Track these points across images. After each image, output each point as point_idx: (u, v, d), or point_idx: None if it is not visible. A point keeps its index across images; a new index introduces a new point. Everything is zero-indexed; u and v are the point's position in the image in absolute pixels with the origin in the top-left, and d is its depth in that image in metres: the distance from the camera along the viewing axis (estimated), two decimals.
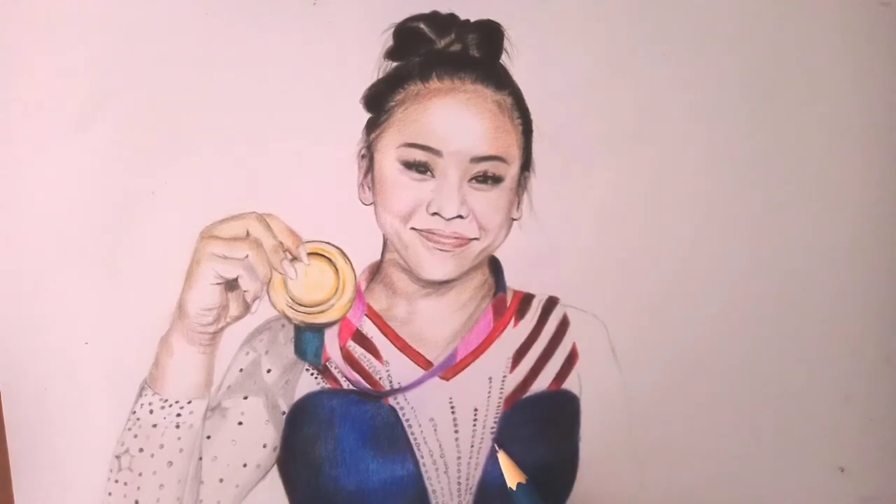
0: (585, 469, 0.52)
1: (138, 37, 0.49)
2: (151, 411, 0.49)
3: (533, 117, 0.50)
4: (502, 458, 0.49)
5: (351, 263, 0.50)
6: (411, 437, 0.51)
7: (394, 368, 0.52)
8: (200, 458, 0.50)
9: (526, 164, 0.51)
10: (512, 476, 0.48)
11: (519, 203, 0.51)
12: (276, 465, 0.51)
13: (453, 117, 0.49)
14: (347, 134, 0.50)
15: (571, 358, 0.52)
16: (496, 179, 0.50)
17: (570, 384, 0.52)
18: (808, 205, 0.52)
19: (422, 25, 0.50)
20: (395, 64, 0.50)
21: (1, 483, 0.50)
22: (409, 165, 0.49)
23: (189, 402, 0.49)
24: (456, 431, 0.52)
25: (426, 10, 0.49)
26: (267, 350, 0.51)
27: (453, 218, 0.49)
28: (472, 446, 0.52)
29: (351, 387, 0.51)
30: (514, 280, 0.52)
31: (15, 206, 0.49)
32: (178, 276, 0.49)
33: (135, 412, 0.49)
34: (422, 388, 0.51)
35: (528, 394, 0.52)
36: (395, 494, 0.51)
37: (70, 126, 0.49)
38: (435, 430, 0.51)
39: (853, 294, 0.53)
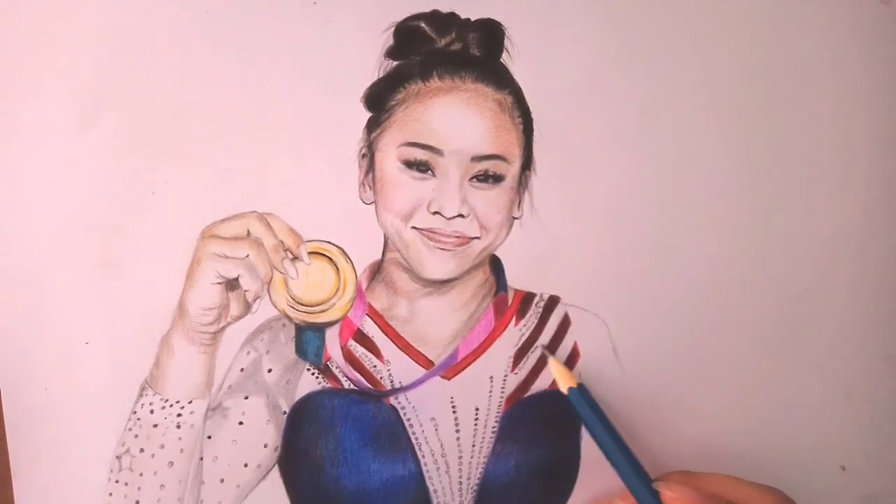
0: (586, 468, 0.52)
1: (138, 36, 0.48)
2: (152, 411, 0.49)
3: (533, 116, 0.50)
4: (553, 364, 0.50)
5: (352, 263, 0.50)
6: (412, 437, 0.51)
7: (395, 368, 0.51)
8: (201, 459, 0.50)
9: (527, 163, 0.51)
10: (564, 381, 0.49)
11: (520, 202, 0.51)
12: (277, 465, 0.51)
13: (454, 116, 0.49)
14: (348, 133, 0.50)
15: (573, 357, 0.52)
16: (497, 178, 0.50)
17: None
18: (809, 204, 0.52)
19: (422, 24, 0.49)
20: (395, 63, 0.50)
21: (1, 483, 0.50)
22: (410, 164, 0.49)
23: (190, 402, 0.49)
24: (457, 431, 0.52)
25: (426, 8, 0.49)
26: (268, 350, 0.51)
27: (454, 217, 0.49)
28: (473, 446, 0.52)
29: (352, 386, 0.51)
30: (515, 279, 0.52)
31: (15, 206, 0.49)
32: (179, 275, 0.49)
33: (135, 412, 0.49)
34: (423, 388, 0.51)
35: (529, 393, 0.52)
36: (396, 494, 0.51)
37: (70, 125, 0.49)
38: (436, 429, 0.51)
39: (855, 292, 0.53)
